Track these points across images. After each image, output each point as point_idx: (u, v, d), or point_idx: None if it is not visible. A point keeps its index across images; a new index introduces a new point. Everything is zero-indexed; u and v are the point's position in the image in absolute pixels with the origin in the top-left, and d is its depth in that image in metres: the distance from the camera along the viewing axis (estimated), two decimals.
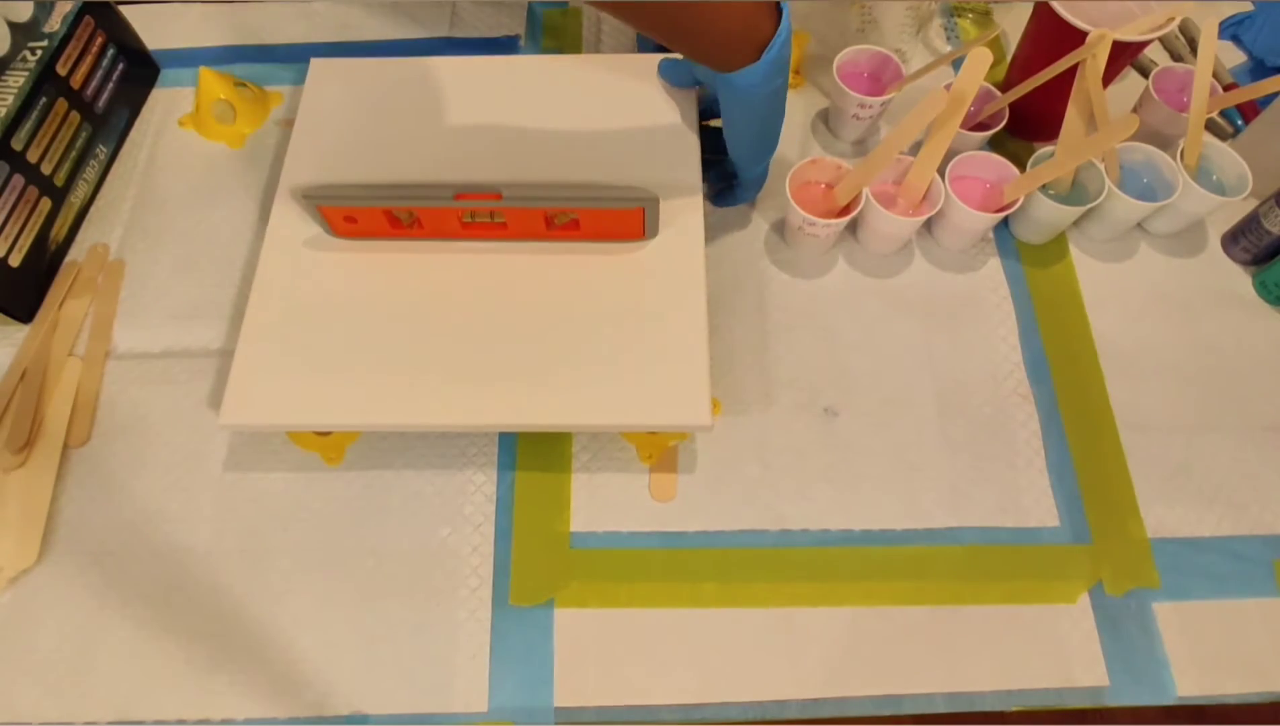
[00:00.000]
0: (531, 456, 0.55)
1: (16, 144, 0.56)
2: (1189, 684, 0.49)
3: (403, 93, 0.61)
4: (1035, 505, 0.54)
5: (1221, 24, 0.72)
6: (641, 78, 0.62)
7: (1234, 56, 0.72)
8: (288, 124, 0.60)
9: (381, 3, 0.74)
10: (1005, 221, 0.62)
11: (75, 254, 0.62)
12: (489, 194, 0.50)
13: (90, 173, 0.63)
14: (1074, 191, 0.60)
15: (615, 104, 0.61)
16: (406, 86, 0.62)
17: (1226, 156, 0.60)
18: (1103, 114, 0.55)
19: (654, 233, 0.54)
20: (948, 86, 0.54)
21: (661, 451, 0.55)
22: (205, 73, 0.65)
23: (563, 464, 0.55)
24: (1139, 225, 0.63)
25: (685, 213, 0.56)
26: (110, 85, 0.65)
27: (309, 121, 0.60)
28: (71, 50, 0.61)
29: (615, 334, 0.51)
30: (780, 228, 0.63)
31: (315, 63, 0.63)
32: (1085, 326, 0.60)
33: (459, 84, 0.62)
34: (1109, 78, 0.57)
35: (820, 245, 0.61)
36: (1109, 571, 0.52)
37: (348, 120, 0.60)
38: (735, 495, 0.54)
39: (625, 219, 0.52)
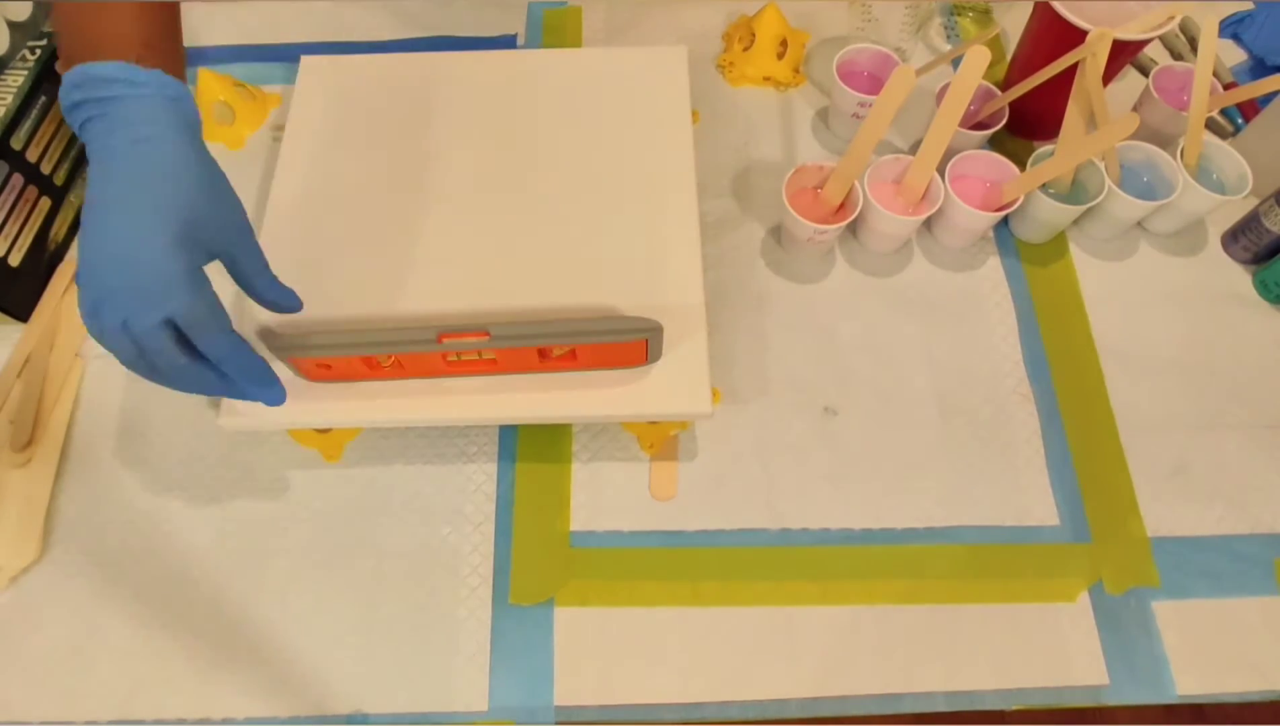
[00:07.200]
0: (532, 448, 0.55)
1: (16, 143, 0.56)
2: (1189, 682, 0.49)
3: (396, 90, 0.61)
4: (1035, 504, 0.54)
5: (1222, 22, 0.72)
6: (635, 70, 0.62)
7: (1234, 55, 0.72)
8: (282, 129, 0.60)
9: (379, 3, 0.74)
10: (1005, 220, 0.62)
11: (75, 253, 0.62)
12: (476, 332, 0.45)
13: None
14: (1074, 190, 0.60)
15: (609, 97, 0.61)
16: (399, 83, 0.62)
17: (1227, 155, 0.59)
18: (1103, 113, 0.55)
19: (657, 356, 0.49)
20: (945, 86, 0.54)
21: (663, 440, 0.55)
22: (204, 74, 0.65)
23: (563, 455, 0.55)
24: (1139, 224, 0.63)
25: (680, 201, 0.56)
26: None
27: (301, 123, 0.60)
28: None
29: None
30: (777, 231, 0.62)
31: (306, 60, 0.63)
32: (1085, 325, 0.59)
33: (453, 79, 0.62)
34: (1109, 76, 0.57)
35: (820, 249, 0.61)
36: (1109, 570, 0.52)
37: (340, 120, 0.60)
38: (735, 494, 0.54)
39: (626, 348, 0.48)
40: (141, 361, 0.40)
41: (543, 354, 0.48)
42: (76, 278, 0.39)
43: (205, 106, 0.65)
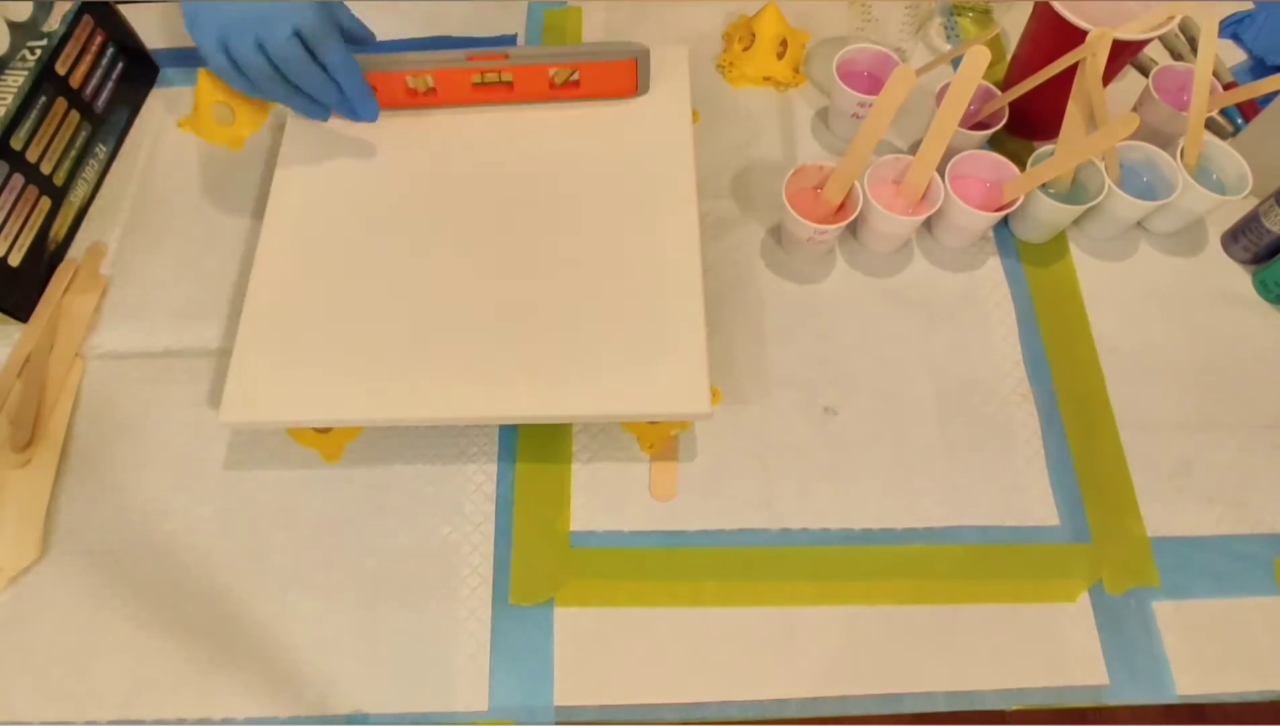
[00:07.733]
0: (531, 449, 0.55)
1: (16, 143, 0.56)
2: (1189, 682, 0.49)
3: None
4: (1035, 504, 0.54)
5: (1221, 22, 0.72)
6: None
7: (1234, 55, 0.72)
8: (282, 130, 0.60)
9: (379, 3, 0.74)
10: (1005, 220, 0.62)
11: (75, 253, 0.62)
12: (496, 54, 0.57)
13: (90, 172, 0.63)
14: (1074, 190, 0.60)
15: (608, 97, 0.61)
16: None
17: (1226, 155, 0.60)
18: (1103, 113, 0.55)
19: (646, 86, 0.59)
20: (945, 86, 0.54)
21: (663, 441, 0.55)
22: (204, 74, 0.65)
23: (563, 456, 0.55)
24: (1139, 224, 0.63)
25: (680, 201, 0.56)
26: (109, 85, 0.65)
27: (301, 121, 0.60)
28: (71, 49, 0.60)
29: (614, 324, 0.51)
30: (777, 231, 0.62)
31: None
32: (1085, 325, 0.59)
33: None
34: (1109, 76, 0.57)
35: (820, 249, 0.61)
36: (1109, 570, 0.52)
37: (337, 128, 0.60)
38: (735, 494, 0.54)
39: (620, 72, 0.58)
40: (274, 80, 0.48)
41: (552, 83, 0.58)
42: (190, 27, 0.44)
43: (205, 107, 0.65)
